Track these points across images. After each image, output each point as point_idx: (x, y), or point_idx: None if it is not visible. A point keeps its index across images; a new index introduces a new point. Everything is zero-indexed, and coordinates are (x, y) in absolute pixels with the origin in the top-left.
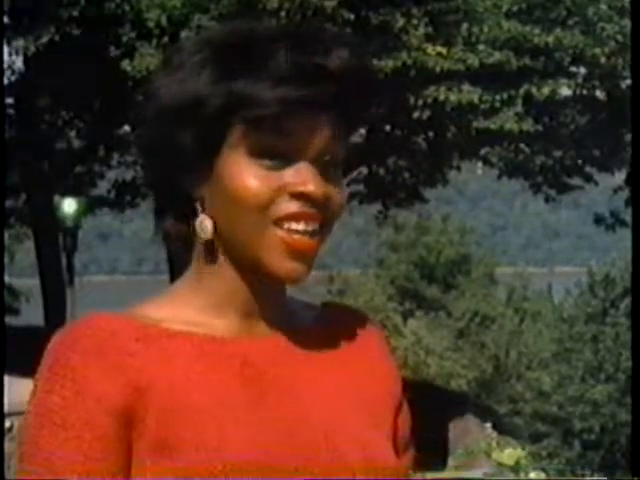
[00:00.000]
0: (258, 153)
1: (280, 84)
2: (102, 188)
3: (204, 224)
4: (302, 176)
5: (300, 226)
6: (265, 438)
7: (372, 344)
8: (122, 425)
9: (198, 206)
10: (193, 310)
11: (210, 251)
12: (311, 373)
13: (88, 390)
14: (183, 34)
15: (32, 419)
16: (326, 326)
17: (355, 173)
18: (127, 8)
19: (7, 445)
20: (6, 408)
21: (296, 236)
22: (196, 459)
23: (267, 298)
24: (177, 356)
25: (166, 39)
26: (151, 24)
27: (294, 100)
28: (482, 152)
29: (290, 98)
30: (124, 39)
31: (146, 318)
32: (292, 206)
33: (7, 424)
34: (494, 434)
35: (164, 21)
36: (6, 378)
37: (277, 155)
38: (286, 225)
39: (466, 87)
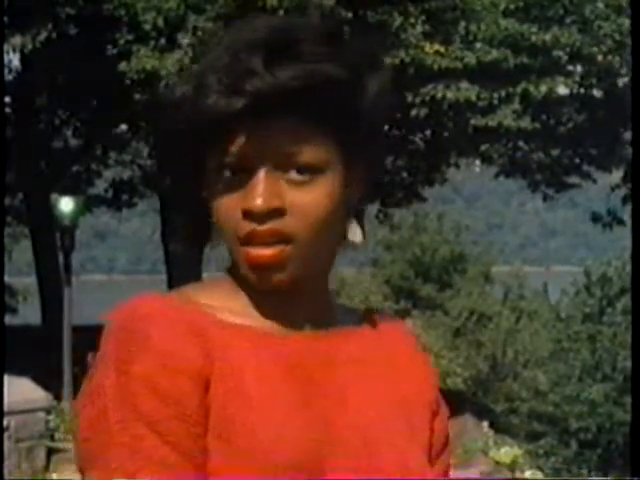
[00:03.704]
0: (221, 168)
1: (205, 100)
2: (99, 187)
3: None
4: (250, 190)
5: (254, 245)
6: (311, 439)
7: (411, 352)
8: (205, 393)
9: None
10: (242, 302)
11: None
12: (355, 378)
13: (172, 362)
14: (179, 35)
15: (116, 388)
16: (369, 332)
17: None
18: (123, 11)
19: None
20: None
21: (253, 253)
22: (252, 446)
23: (304, 298)
24: (231, 346)
25: (163, 41)
26: (147, 26)
27: (212, 115)
28: (480, 149)
29: (210, 113)
30: (121, 42)
31: (199, 304)
32: (244, 226)
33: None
34: (491, 433)
35: (160, 23)
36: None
37: (234, 169)
38: (245, 246)
39: (464, 85)
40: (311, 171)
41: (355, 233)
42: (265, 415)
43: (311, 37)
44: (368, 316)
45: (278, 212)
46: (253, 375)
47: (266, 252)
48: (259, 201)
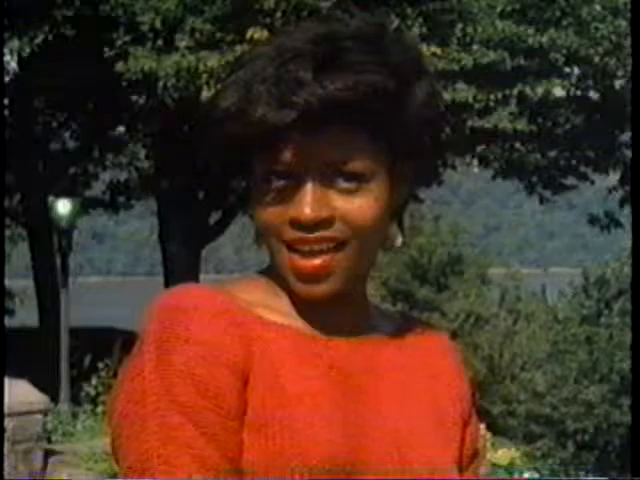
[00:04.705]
0: (267, 176)
1: (254, 111)
2: (96, 189)
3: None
4: (299, 199)
5: (302, 252)
6: (346, 441)
7: (448, 360)
8: (244, 387)
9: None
10: (283, 302)
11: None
12: (391, 384)
13: (213, 354)
14: (177, 37)
15: (154, 378)
16: (408, 339)
17: None
18: (121, 12)
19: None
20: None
21: (300, 260)
22: (288, 444)
23: (351, 301)
24: (272, 344)
25: (160, 42)
26: (145, 27)
27: (262, 127)
28: (477, 150)
29: (258, 124)
30: (118, 42)
31: (241, 300)
32: (291, 233)
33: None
34: (488, 435)
35: (158, 24)
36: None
37: (281, 178)
38: (292, 249)
39: (460, 86)
40: (358, 180)
41: (397, 236)
42: (303, 414)
43: (357, 46)
44: (405, 322)
45: (327, 222)
46: (292, 374)
47: (314, 262)
48: (307, 211)
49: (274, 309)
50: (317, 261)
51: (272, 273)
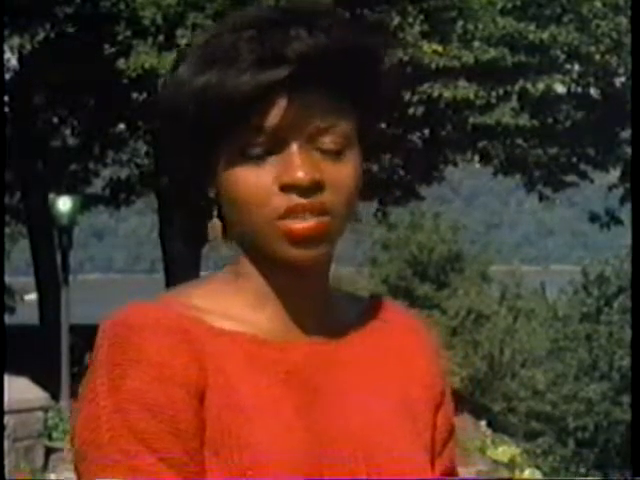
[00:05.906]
0: (247, 147)
1: (240, 74)
2: (97, 186)
3: (214, 227)
4: (289, 163)
5: (296, 218)
6: (309, 449)
7: (416, 344)
8: (200, 405)
9: (214, 208)
10: (235, 306)
11: (237, 251)
12: (356, 381)
13: (167, 375)
14: (179, 32)
15: (108, 404)
16: (374, 326)
17: None
18: (122, 7)
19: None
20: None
21: (297, 226)
22: (248, 461)
23: (308, 295)
24: (226, 356)
25: (161, 37)
26: (146, 22)
27: (251, 87)
28: (478, 147)
29: (247, 85)
30: (119, 37)
31: (194, 309)
32: (284, 200)
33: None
34: (489, 432)
35: (159, 19)
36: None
37: (264, 145)
38: (284, 220)
39: (461, 83)
40: (341, 146)
41: (358, 213)
42: (261, 428)
43: (331, 10)
44: (373, 306)
45: (319, 185)
46: (249, 386)
47: (310, 224)
48: (301, 174)
49: (231, 314)
50: (312, 223)
51: (243, 265)
